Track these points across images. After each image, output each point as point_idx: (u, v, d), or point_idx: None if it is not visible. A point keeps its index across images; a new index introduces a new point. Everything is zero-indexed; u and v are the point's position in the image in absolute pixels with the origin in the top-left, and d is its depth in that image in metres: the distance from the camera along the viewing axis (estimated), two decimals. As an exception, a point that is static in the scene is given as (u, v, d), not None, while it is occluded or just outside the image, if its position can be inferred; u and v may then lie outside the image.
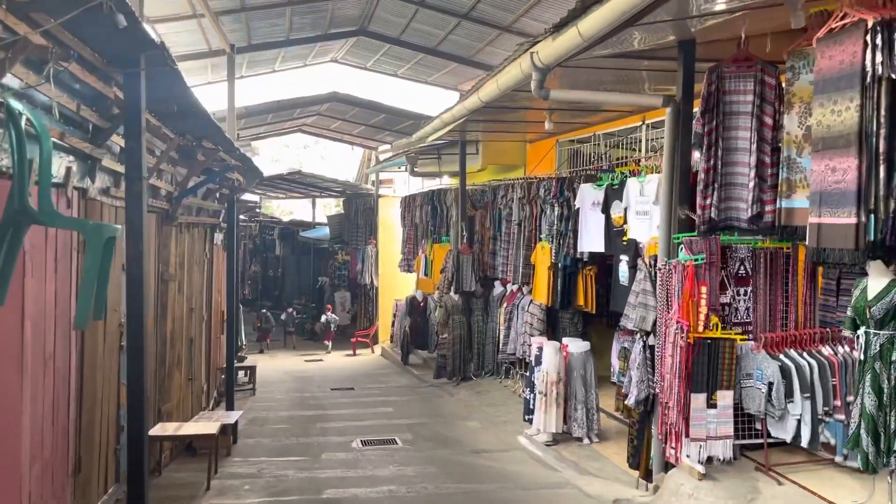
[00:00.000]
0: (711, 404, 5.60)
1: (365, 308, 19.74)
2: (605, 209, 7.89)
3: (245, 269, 16.79)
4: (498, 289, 12.61)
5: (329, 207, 30.53)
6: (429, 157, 15.24)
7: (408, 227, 16.72)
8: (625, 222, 7.51)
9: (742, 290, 5.80)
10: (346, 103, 15.32)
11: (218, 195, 10.37)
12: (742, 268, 5.80)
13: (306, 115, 16.95)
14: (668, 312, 5.85)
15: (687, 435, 5.61)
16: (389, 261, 18.97)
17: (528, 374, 9.64)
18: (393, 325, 17.58)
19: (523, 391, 9.61)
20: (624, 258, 7.38)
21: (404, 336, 15.43)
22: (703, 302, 5.55)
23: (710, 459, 5.66)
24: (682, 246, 5.77)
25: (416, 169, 13.89)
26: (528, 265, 10.42)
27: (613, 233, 7.77)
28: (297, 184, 21.67)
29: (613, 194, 7.79)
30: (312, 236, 24.22)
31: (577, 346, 8.98)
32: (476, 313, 12.80)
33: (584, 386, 8.84)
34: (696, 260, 5.62)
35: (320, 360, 17.57)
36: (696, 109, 5.59)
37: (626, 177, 7.65)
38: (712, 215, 5.38)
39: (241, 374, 13.17)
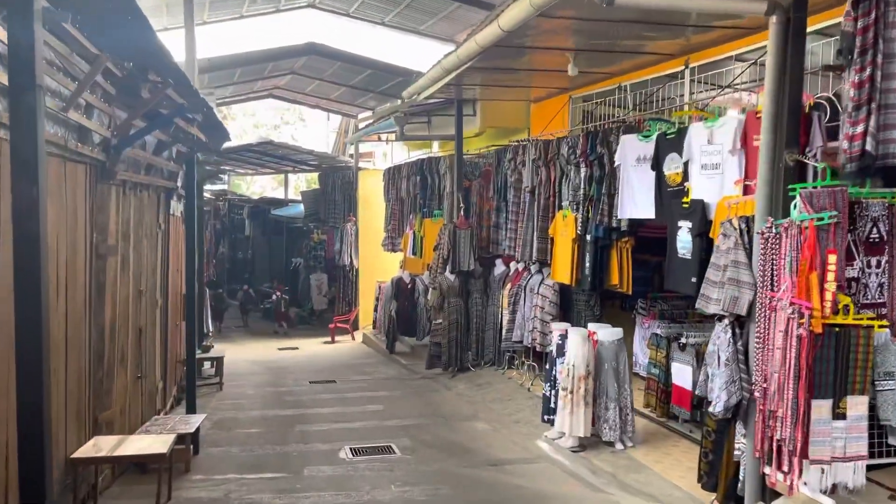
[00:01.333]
0: (839, 414, 4.17)
1: (344, 291, 18.11)
2: (657, 165, 6.39)
3: (210, 248, 15.06)
4: (499, 268, 11.10)
5: (302, 186, 28.69)
6: (418, 122, 13.61)
7: (392, 201, 15.10)
8: (684, 180, 6.02)
9: (874, 261, 4.35)
10: (325, 57, 13.50)
11: (175, 152, 8.64)
12: (875, 231, 4.34)
13: (279, 74, 15.10)
14: (775, 291, 4.38)
15: (805, 455, 4.17)
16: (371, 239, 17.34)
17: (546, 366, 8.17)
18: (376, 309, 15.99)
19: (537, 387, 8.13)
20: (684, 225, 5.89)
21: (390, 322, 13.87)
22: (831, 276, 4.08)
23: (833, 488, 4.23)
24: (796, 201, 4.29)
25: (405, 132, 12.23)
26: (544, 239, 8.90)
27: (667, 194, 6.28)
28: (269, 157, 19.87)
29: (667, 146, 6.29)
30: (285, 214, 22.44)
31: (607, 333, 7.52)
32: (474, 296, 11.28)
33: (616, 381, 7.40)
34: (821, 219, 4.14)
35: (295, 348, 15.93)
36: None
37: (683, 124, 6.15)
38: (867, 147, 3.85)
39: (207, 364, 11.51)
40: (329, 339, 16.61)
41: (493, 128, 11.54)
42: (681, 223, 5.95)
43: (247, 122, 35.19)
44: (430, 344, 11.79)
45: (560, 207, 8.49)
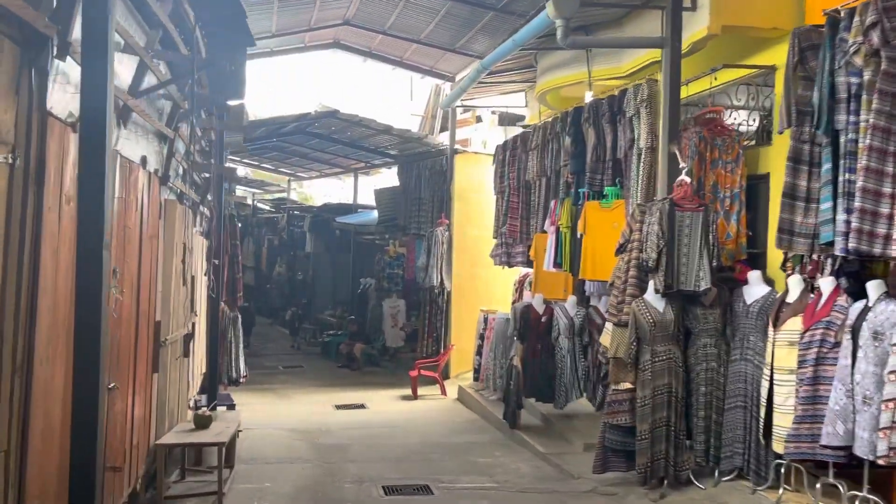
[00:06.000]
0: None
1: (430, 324, 12.94)
2: None
3: (234, 261, 10.35)
4: (756, 288, 5.73)
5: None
6: (564, 55, 8.44)
7: (509, 191, 9.97)
8: None
9: None
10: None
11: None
12: None
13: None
14: None
15: None
16: (471, 250, 12.24)
17: None
18: (479, 352, 10.79)
19: None
20: None
21: (510, 376, 8.59)
22: None
23: None
24: None
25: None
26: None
27: None
28: (330, 142, 15.14)
29: None
30: (353, 222, 17.61)
31: None
32: (702, 340, 5.89)
33: None
34: None
35: (361, 405, 10.82)
36: None
37: None
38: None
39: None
40: (410, 392, 11.44)
41: (733, 28, 6.22)
42: None
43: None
44: (603, 427, 6.40)
45: None
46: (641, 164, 6.31)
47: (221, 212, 7.88)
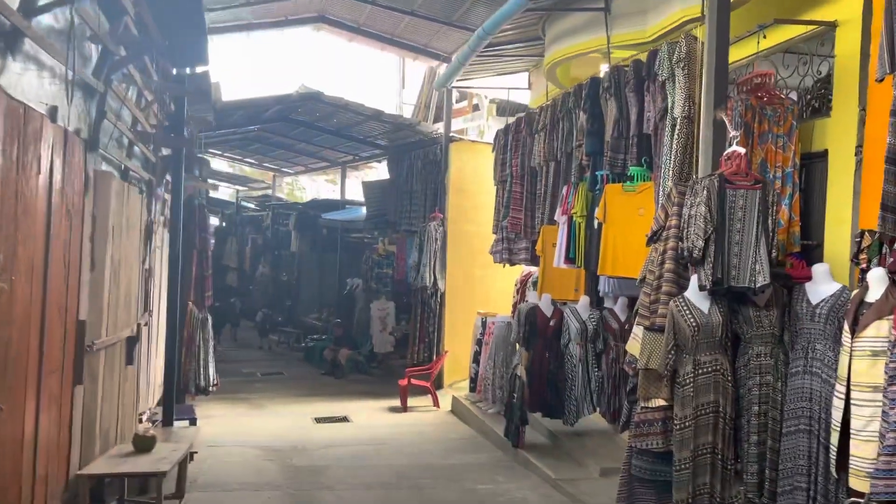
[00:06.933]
0: None
1: (421, 328, 11.81)
2: None
3: (201, 264, 9.22)
4: (824, 286, 4.66)
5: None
6: (577, 20, 7.39)
7: (512, 178, 8.89)
8: None
9: None
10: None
11: None
12: None
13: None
14: None
15: None
16: (466, 247, 11.17)
17: None
18: (476, 360, 9.68)
19: None
20: None
21: (513, 388, 7.49)
22: None
23: None
24: None
25: (549, 35, 5.95)
26: None
27: None
28: (315, 132, 14.04)
29: None
30: (340, 218, 16.49)
31: None
32: (756, 348, 4.79)
33: None
34: None
35: (344, 418, 9.69)
36: None
37: None
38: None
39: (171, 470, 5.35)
40: (398, 403, 10.32)
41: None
42: None
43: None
44: (629, 452, 5.30)
45: None
46: (676, 136, 5.24)
47: (180, 194, 6.75)
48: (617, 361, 7.33)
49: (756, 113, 5.33)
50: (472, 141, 11.86)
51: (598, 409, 7.37)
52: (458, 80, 10.72)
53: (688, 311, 4.75)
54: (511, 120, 10.26)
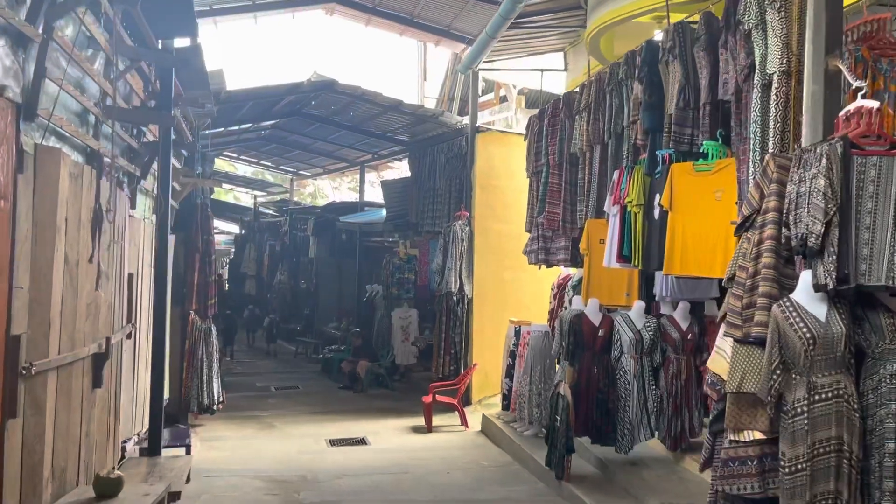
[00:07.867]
0: None
1: (448, 338, 10.73)
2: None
3: (204, 270, 8.32)
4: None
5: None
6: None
7: (549, 168, 7.81)
8: None
9: None
10: None
11: None
12: None
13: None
14: None
15: None
16: (496, 248, 10.12)
17: None
18: (510, 374, 8.58)
19: None
20: None
21: (556, 409, 6.38)
22: None
23: None
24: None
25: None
26: None
27: None
28: (331, 127, 13.09)
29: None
30: (359, 220, 15.51)
31: None
32: (888, 368, 3.64)
33: None
34: None
35: (361, 440, 8.64)
36: None
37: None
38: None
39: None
40: (422, 422, 9.25)
41: None
42: None
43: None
44: (713, 497, 4.16)
45: None
46: (775, 96, 4.13)
47: (168, 183, 5.77)
48: (678, 377, 6.29)
49: (868, 67, 4.20)
50: (501, 131, 10.78)
51: (656, 434, 6.29)
52: (485, 64, 9.67)
53: (798, 319, 3.62)
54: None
